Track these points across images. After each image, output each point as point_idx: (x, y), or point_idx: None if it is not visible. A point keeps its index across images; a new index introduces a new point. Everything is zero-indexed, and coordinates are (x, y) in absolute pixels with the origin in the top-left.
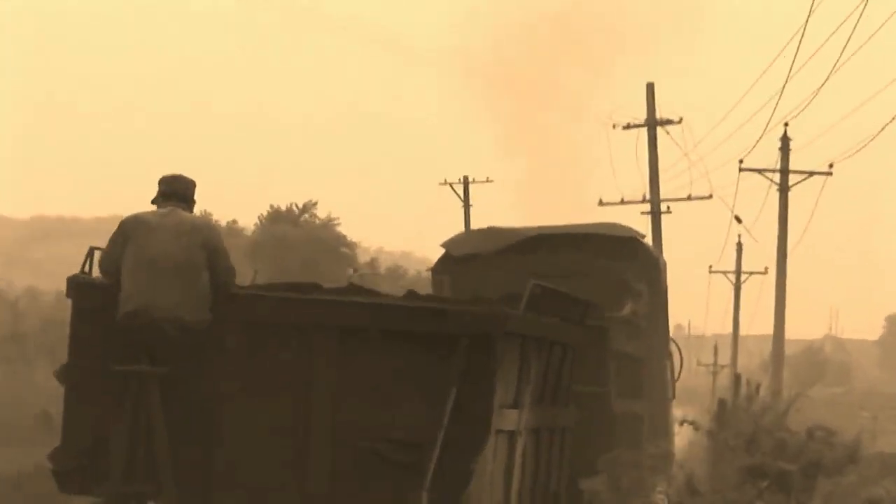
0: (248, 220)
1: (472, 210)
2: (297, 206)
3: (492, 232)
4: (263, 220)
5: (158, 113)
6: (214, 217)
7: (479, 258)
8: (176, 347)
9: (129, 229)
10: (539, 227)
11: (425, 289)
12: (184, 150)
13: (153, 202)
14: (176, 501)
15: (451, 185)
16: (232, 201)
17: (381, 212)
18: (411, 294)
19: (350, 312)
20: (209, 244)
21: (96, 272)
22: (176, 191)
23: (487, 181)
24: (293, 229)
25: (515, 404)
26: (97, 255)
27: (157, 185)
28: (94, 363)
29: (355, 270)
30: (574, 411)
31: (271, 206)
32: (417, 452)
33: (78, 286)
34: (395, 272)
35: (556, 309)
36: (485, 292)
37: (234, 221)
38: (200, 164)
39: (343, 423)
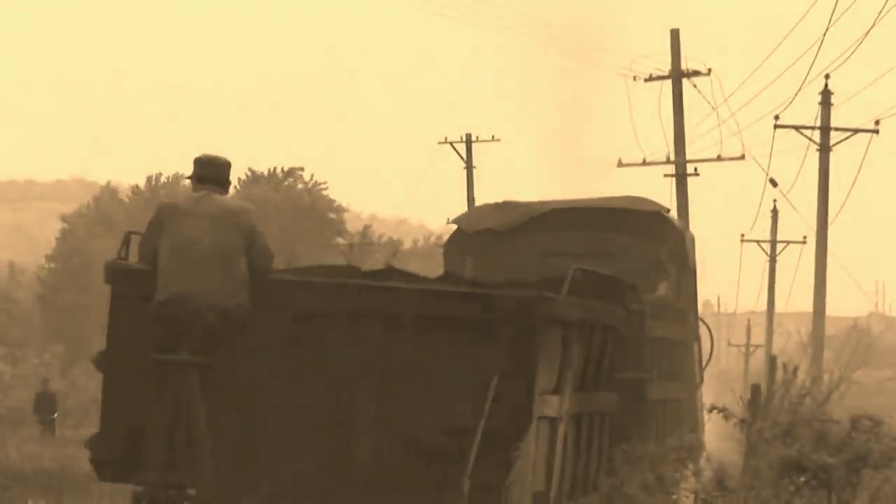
0: None
1: (475, 172)
2: (282, 169)
3: (507, 206)
4: (241, 185)
5: (130, 70)
6: (186, 182)
7: (493, 235)
8: (215, 335)
9: (164, 215)
10: (556, 202)
11: (421, 258)
12: (153, 110)
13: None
14: (214, 491)
15: (451, 144)
16: None
17: (374, 175)
18: (447, 276)
19: (395, 298)
20: (245, 228)
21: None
22: (210, 174)
23: (493, 140)
24: (274, 194)
25: (557, 390)
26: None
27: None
28: (132, 351)
29: (346, 241)
30: (615, 396)
31: (250, 170)
32: (460, 440)
33: (116, 272)
34: (389, 242)
35: (597, 292)
36: (501, 273)
37: None
38: (170, 125)
39: (386, 410)
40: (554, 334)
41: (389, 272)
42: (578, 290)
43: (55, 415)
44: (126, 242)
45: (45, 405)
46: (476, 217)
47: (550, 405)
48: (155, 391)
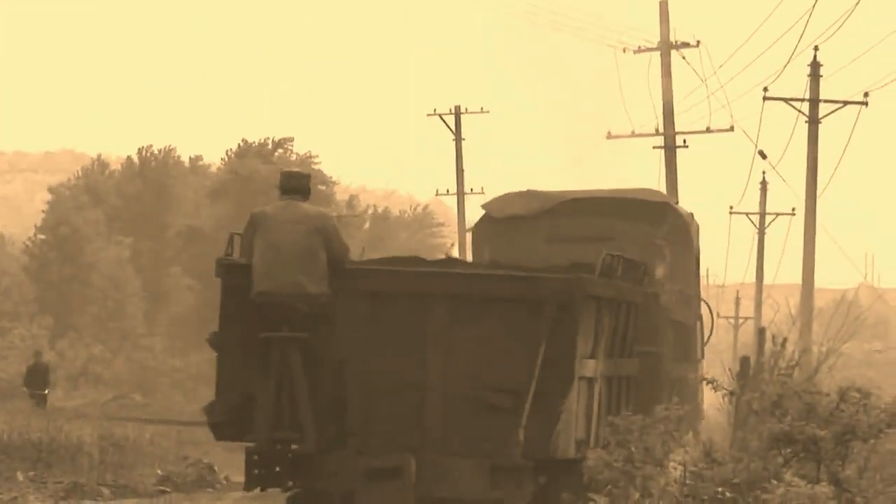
0: (216, 156)
1: (464, 144)
2: (272, 140)
3: (530, 195)
4: (231, 157)
5: (120, 43)
6: (177, 153)
7: (518, 220)
8: (304, 317)
9: (257, 221)
10: (574, 192)
11: (411, 229)
12: (143, 82)
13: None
14: (315, 445)
15: (441, 116)
16: (197, 136)
17: (363, 147)
18: (493, 263)
19: (458, 282)
20: (323, 229)
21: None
22: (293, 186)
23: (482, 112)
24: (264, 166)
25: (593, 355)
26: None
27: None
28: (241, 331)
29: (335, 213)
30: (636, 363)
31: (243, 141)
32: (515, 398)
33: (224, 267)
34: (377, 214)
35: (621, 272)
36: (526, 252)
37: (199, 157)
38: (160, 95)
39: (453, 376)
40: (589, 309)
41: (451, 261)
42: (608, 272)
43: (47, 388)
44: (230, 242)
45: (38, 378)
46: (502, 204)
47: (588, 367)
48: (262, 364)
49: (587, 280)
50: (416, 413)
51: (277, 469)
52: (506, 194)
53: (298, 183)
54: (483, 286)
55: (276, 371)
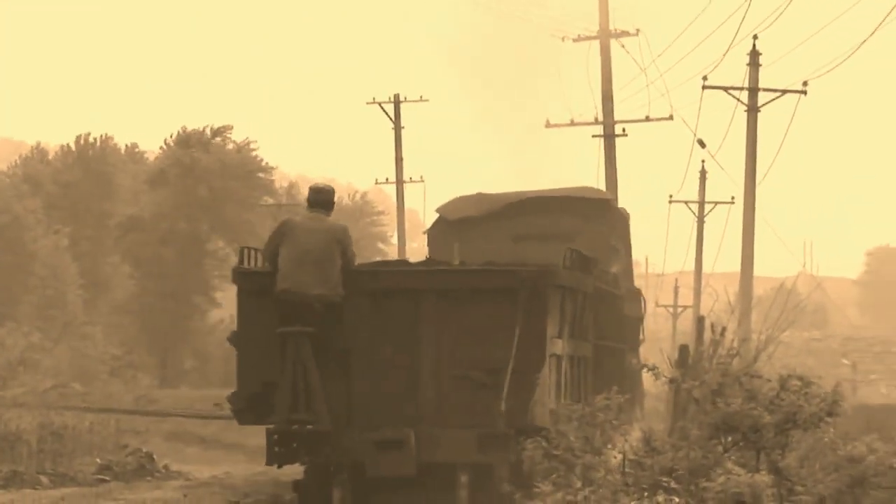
0: (153, 144)
1: (403, 133)
2: (211, 128)
3: (481, 197)
4: (170, 145)
5: (59, 30)
6: (114, 140)
7: (470, 221)
8: (319, 313)
9: (286, 230)
10: (520, 193)
11: (350, 217)
12: (80, 67)
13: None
14: (328, 424)
15: (380, 104)
16: (134, 123)
17: (302, 135)
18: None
19: (443, 278)
20: (341, 241)
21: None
22: (319, 200)
23: (421, 100)
24: (203, 155)
25: (559, 335)
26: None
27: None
28: (257, 329)
29: (274, 202)
30: (590, 346)
31: (183, 128)
32: (496, 375)
33: (241, 274)
34: None
35: (579, 266)
36: (479, 251)
37: (135, 145)
38: (97, 83)
39: (443, 359)
40: (555, 296)
41: (433, 262)
42: (569, 265)
43: None
44: (242, 253)
45: None
46: (455, 206)
47: (556, 346)
48: (279, 355)
49: (554, 271)
50: (413, 392)
51: (295, 446)
52: (458, 198)
53: (323, 198)
54: (465, 280)
55: (291, 361)
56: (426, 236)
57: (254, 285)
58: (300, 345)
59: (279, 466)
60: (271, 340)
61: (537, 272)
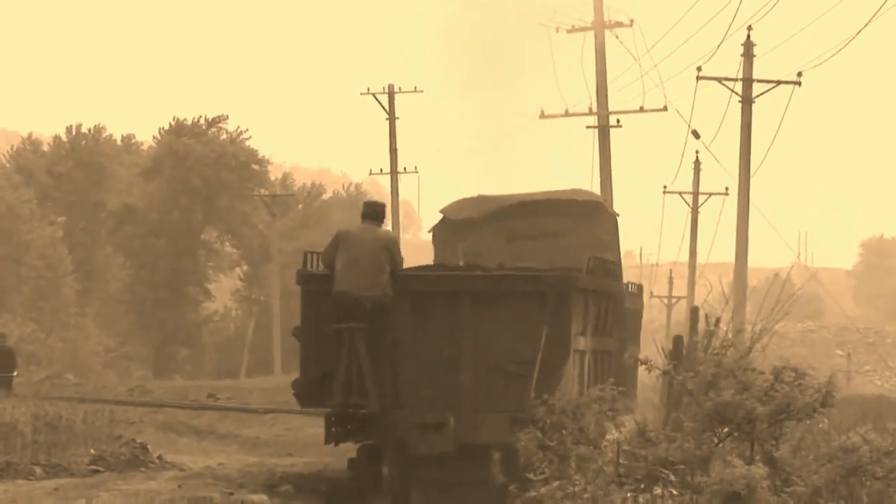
0: (146, 135)
1: (398, 123)
2: (205, 118)
3: (482, 199)
4: (164, 135)
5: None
6: (107, 131)
7: (472, 222)
8: (368, 311)
9: (342, 239)
10: (518, 195)
11: (344, 208)
12: (72, 57)
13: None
14: (378, 408)
15: (374, 95)
16: (127, 114)
17: (296, 126)
18: (500, 266)
19: (479, 281)
20: (389, 249)
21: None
22: (370, 213)
23: (416, 91)
24: (197, 145)
25: (583, 333)
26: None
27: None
28: (317, 325)
29: (267, 192)
30: (614, 341)
31: (175, 119)
32: (526, 367)
33: (304, 276)
34: (312, 191)
35: (601, 270)
36: (481, 249)
37: (131, 136)
38: (90, 72)
39: (479, 352)
40: (579, 298)
41: (472, 266)
42: (592, 270)
43: (15, 371)
44: (306, 259)
45: (3, 360)
46: (458, 207)
47: (580, 343)
48: (335, 348)
49: (578, 276)
50: (453, 381)
51: (349, 427)
52: (460, 199)
53: (374, 210)
54: (498, 284)
55: (346, 353)
56: (431, 234)
57: (315, 286)
58: (354, 339)
59: (336, 444)
60: (329, 335)
61: (563, 278)
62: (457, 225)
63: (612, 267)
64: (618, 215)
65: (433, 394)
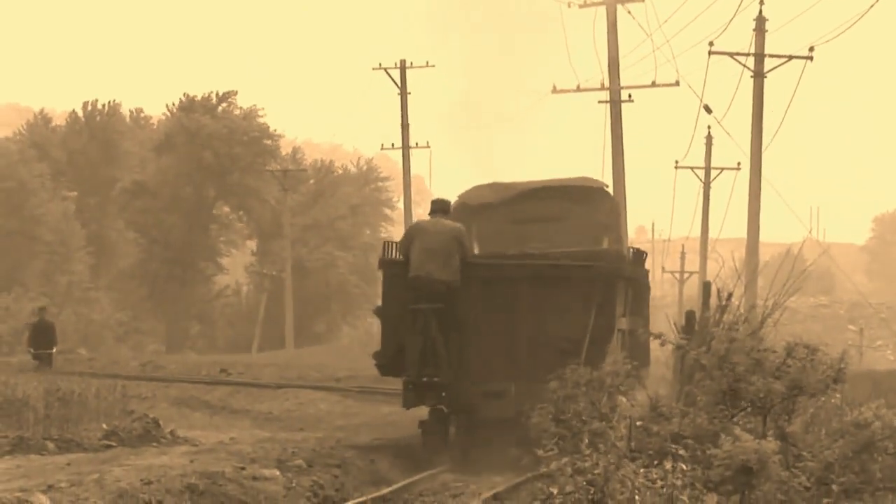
0: (158, 110)
1: (409, 99)
2: (216, 94)
3: (497, 186)
4: (174, 110)
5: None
6: (121, 107)
7: (489, 206)
8: (442, 295)
9: (416, 231)
10: (530, 182)
11: (356, 184)
12: (85, 33)
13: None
14: (450, 378)
15: (386, 70)
16: (139, 89)
17: (308, 101)
18: (564, 254)
19: (536, 267)
20: (458, 239)
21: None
22: (439, 208)
23: (427, 66)
24: (209, 120)
25: (623, 314)
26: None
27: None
28: (396, 305)
29: (280, 167)
30: (641, 320)
31: (185, 95)
32: (576, 344)
33: (386, 263)
34: (323, 167)
35: (635, 259)
36: (498, 231)
37: (140, 110)
38: (102, 48)
39: (535, 330)
40: (622, 284)
41: (535, 255)
42: (632, 260)
43: (54, 347)
44: (385, 246)
45: (43, 336)
46: (475, 194)
47: (622, 323)
48: (411, 324)
49: (622, 266)
50: (513, 355)
51: (423, 393)
52: (477, 186)
53: (442, 206)
54: (555, 271)
55: (421, 329)
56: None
57: (394, 271)
58: (427, 318)
59: (408, 408)
60: (406, 314)
61: (612, 268)
62: (475, 210)
63: (644, 255)
64: (619, 201)
65: (496, 366)
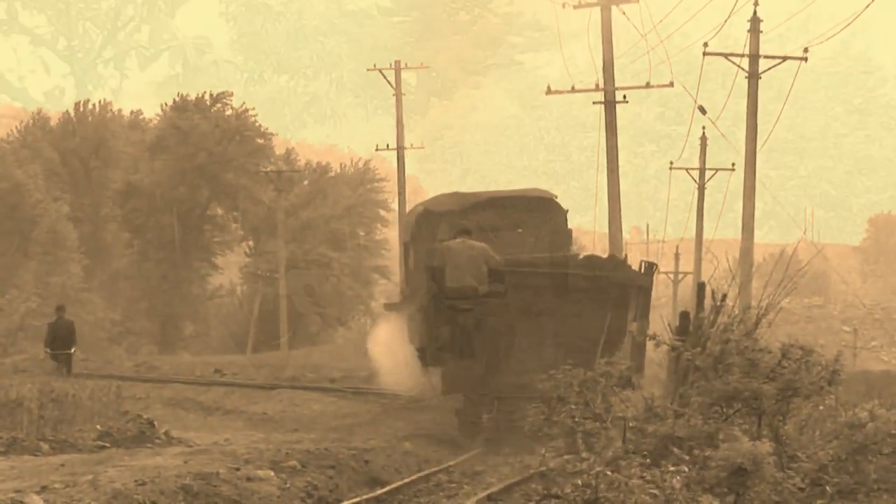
0: (151, 111)
1: (404, 99)
2: (210, 94)
3: (458, 195)
4: (167, 111)
5: None
6: (113, 107)
7: (453, 213)
8: (474, 298)
9: (446, 251)
10: (488, 192)
11: (351, 185)
12: (81, 36)
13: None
14: (482, 370)
15: (381, 71)
16: (138, 92)
17: (301, 101)
18: (590, 259)
19: (558, 277)
20: (484, 256)
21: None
22: (464, 231)
23: (422, 67)
24: (202, 121)
25: (634, 319)
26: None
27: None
28: (437, 306)
29: (274, 168)
30: (646, 323)
31: (179, 95)
32: (594, 344)
33: (430, 270)
34: (316, 169)
35: (647, 271)
36: (455, 237)
37: (139, 112)
38: (99, 51)
39: (559, 332)
40: (633, 292)
41: (553, 265)
42: (642, 272)
43: (73, 347)
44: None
45: (62, 336)
46: (439, 202)
47: (632, 327)
48: (450, 324)
49: (635, 275)
50: (538, 352)
51: (460, 382)
52: (439, 195)
53: (467, 229)
54: (574, 280)
55: (459, 328)
56: (406, 221)
57: (436, 278)
58: (464, 318)
59: (446, 395)
60: (446, 312)
61: (624, 276)
62: (438, 216)
63: (653, 267)
64: (566, 209)
65: (523, 361)
